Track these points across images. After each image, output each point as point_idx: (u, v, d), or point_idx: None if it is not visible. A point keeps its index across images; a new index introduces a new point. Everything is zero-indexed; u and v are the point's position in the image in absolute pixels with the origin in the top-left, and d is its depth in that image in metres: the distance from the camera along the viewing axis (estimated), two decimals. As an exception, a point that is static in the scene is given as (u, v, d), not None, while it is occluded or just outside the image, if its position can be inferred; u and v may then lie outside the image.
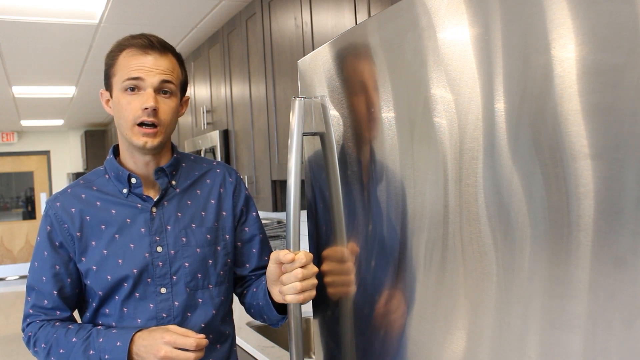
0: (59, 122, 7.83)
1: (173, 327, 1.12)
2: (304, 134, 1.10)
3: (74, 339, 1.17)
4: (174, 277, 1.21)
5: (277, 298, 1.16)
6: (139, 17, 3.08)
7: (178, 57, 1.23)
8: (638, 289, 0.56)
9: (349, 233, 1.06)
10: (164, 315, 1.20)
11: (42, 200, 9.09)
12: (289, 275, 1.05)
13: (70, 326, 1.21)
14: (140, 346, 1.11)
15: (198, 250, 1.24)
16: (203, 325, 1.24)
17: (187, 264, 1.22)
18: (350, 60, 1.01)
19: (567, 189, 0.62)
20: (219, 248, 1.28)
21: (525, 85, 0.66)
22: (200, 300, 1.24)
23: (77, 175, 8.10)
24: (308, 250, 1.13)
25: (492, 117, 0.71)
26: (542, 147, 0.65)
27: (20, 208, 9.14)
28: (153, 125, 1.16)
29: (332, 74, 1.07)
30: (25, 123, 7.76)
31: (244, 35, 2.87)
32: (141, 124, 1.15)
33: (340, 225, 1.08)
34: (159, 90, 1.16)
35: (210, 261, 1.25)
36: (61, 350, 1.17)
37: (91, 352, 1.14)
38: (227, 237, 1.30)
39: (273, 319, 1.27)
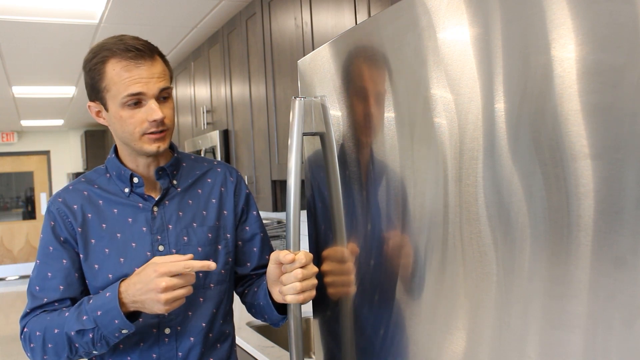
0: (59, 122, 7.83)
1: (157, 258, 1.09)
2: (304, 134, 1.10)
3: (66, 314, 1.14)
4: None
5: (278, 298, 1.16)
6: (139, 17, 3.08)
7: (161, 55, 1.20)
8: (638, 289, 0.56)
9: (348, 233, 1.06)
10: (165, 313, 1.20)
11: (42, 200, 9.09)
12: (289, 276, 1.05)
13: (64, 309, 1.17)
14: (135, 290, 1.07)
15: (199, 249, 1.24)
16: (204, 325, 1.24)
17: None
18: (350, 60, 1.01)
19: (567, 189, 0.62)
20: (220, 247, 1.28)
21: (525, 85, 0.66)
22: (201, 299, 1.24)
23: (77, 175, 8.10)
24: (308, 250, 1.13)
25: (492, 117, 0.71)
26: (542, 147, 0.65)
27: (20, 208, 9.13)
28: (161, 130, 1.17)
29: (332, 74, 1.07)
30: (25, 123, 7.76)
31: (244, 35, 2.87)
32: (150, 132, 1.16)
33: (340, 225, 1.08)
34: (159, 97, 1.15)
35: (212, 260, 1.25)
36: (56, 330, 1.13)
37: (84, 317, 1.10)
38: (228, 236, 1.30)
39: (274, 319, 1.27)
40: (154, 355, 1.21)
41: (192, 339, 1.23)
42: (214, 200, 1.30)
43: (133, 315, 1.12)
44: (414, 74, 0.84)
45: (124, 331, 1.10)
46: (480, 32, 0.72)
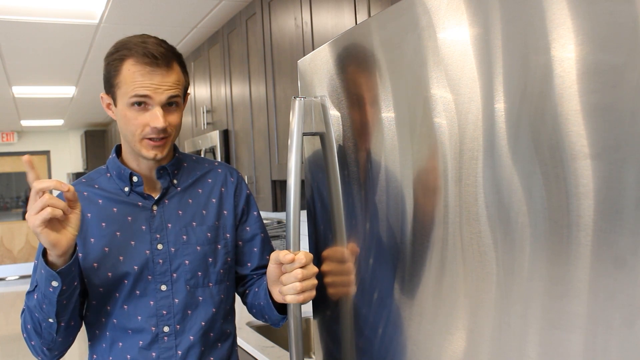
0: (59, 122, 7.83)
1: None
2: (304, 134, 1.10)
3: (35, 296, 1.12)
4: (174, 275, 1.22)
5: (278, 298, 1.17)
6: (139, 17, 3.08)
7: (181, 62, 1.21)
8: (638, 289, 0.56)
9: (348, 233, 1.06)
10: (164, 312, 1.21)
11: (42, 200, 9.08)
12: (289, 276, 1.05)
13: None
14: None
15: (198, 248, 1.24)
16: (203, 324, 1.24)
17: (187, 262, 1.23)
18: (351, 60, 1.01)
19: (567, 189, 0.62)
20: (219, 246, 1.28)
21: (525, 85, 0.66)
22: (200, 298, 1.25)
23: (77, 175, 8.11)
24: (308, 251, 1.13)
25: (492, 117, 0.71)
26: (542, 147, 0.65)
27: (20, 208, 9.14)
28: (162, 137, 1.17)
29: (332, 74, 1.07)
30: (25, 123, 7.76)
31: (244, 35, 2.87)
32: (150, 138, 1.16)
33: (340, 225, 1.08)
34: (166, 104, 1.16)
35: (211, 259, 1.26)
36: (36, 314, 1.13)
37: (35, 295, 1.10)
38: (228, 235, 1.30)
39: (274, 319, 1.27)
40: (154, 354, 1.21)
41: (191, 337, 1.23)
42: (214, 200, 1.30)
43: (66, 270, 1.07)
44: (414, 74, 0.84)
45: (53, 283, 1.06)
46: (480, 32, 0.72)
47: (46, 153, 9.09)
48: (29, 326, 1.16)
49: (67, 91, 5.37)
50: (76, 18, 3.12)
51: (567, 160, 0.62)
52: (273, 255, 1.12)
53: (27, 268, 8.92)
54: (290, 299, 1.06)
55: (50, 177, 9.06)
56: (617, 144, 0.57)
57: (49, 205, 0.97)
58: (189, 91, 1.28)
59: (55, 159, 9.10)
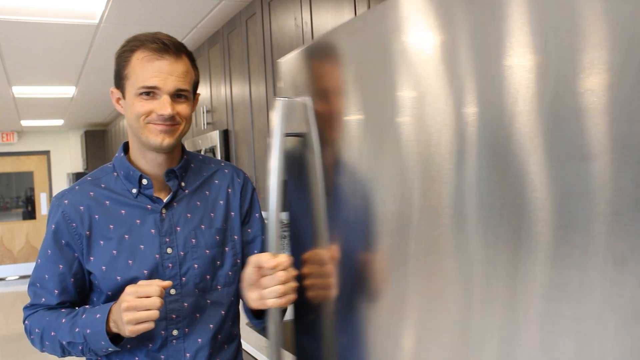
0: (59, 122, 7.83)
1: (141, 282, 1.10)
2: (286, 135, 1.09)
3: (63, 320, 1.18)
4: (184, 279, 1.20)
5: (255, 304, 1.12)
6: (139, 17, 3.08)
7: (191, 57, 1.21)
8: (637, 290, 0.55)
9: (329, 235, 1.05)
10: (174, 316, 1.20)
11: (42, 200, 9.09)
12: (271, 279, 1.04)
13: (62, 309, 1.22)
14: (114, 311, 1.11)
15: (207, 251, 1.23)
16: (212, 326, 1.24)
17: (196, 265, 1.22)
18: (326, 62, 1.01)
19: (567, 189, 0.62)
20: (227, 249, 1.27)
21: (524, 85, 0.66)
22: (209, 301, 1.24)
23: (77, 175, 8.10)
24: (288, 253, 1.12)
25: (487, 117, 0.71)
26: (539, 147, 0.64)
27: (20, 208, 9.13)
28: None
29: (307, 76, 1.07)
30: (25, 123, 7.76)
31: (244, 35, 2.87)
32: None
33: (321, 227, 1.07)
34: (174, 95, 1.15)
35: (219, 262, 1.25)
36: (52, 333, 1.18)
37: (77, 329, 1.15)
38: (236, 237, 1.29)
39: (255, 324, 1.28)
40: (162, 357, 1.20)
41: (199, 340, 1.22)
42: (221, 202, 1.29)
43: (120, 336, 1.14)
44: (386, 76, 0.84)
45: (110, 349, 1.14)
46: (448, 37, 0.72)
47: (46, 153, 9.08)
48: (47, 343, 1.21)
49: (67, 91, 5.37)
50: (76, 18, 3.12)
51: (566, 160, 0.62)
52: (253, 258, 1.09)
53: (27, 268, 8.91)
54: (272, 302, 1.04)
55: (50, 177, 9.06)
56: (617, 144, 0.56)
57: (157, 309, 1.06)
58: (199, 92, 1.27)
59: (55, 159, 9.09)
